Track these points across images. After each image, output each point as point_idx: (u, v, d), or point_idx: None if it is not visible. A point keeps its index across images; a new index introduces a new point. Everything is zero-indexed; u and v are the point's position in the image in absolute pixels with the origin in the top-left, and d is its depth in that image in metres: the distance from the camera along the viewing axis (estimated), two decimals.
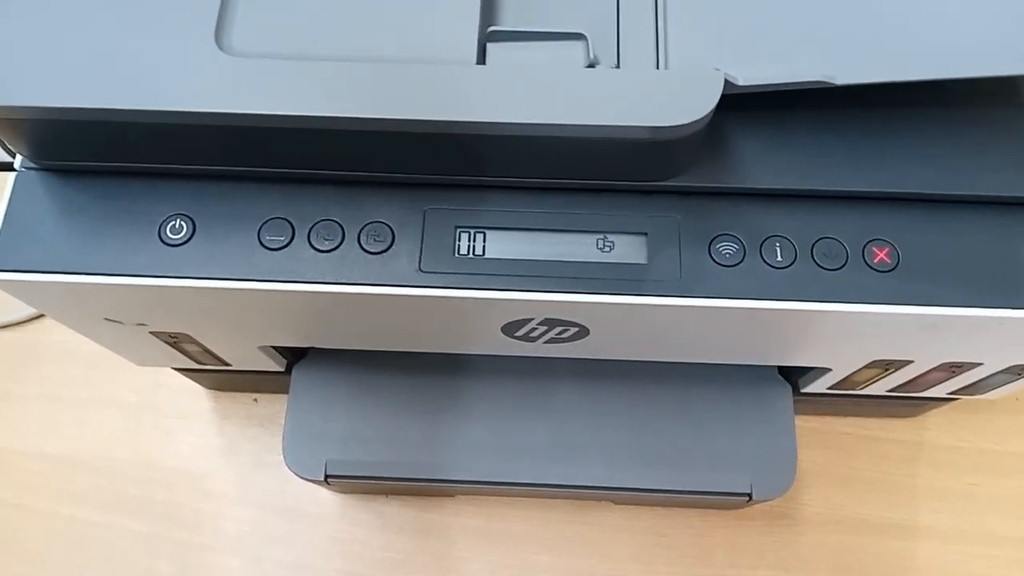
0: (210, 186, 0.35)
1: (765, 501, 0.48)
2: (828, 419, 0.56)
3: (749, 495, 0.46)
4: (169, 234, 0.35)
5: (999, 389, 0.46)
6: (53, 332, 0.60)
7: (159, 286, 0.34)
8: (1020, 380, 0.43)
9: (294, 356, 0.49)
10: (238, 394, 0.57)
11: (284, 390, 0.49)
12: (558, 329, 0.38)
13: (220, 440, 0.56)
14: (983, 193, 0.34)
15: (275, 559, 0.53)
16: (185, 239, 0.34)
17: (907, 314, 0.34)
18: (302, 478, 0.48)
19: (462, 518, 0.54)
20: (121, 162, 0.34)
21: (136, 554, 0.53)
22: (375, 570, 0.52)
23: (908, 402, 0.51)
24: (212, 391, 0.57)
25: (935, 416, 0.56)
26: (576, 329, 0.38)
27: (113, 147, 0.33)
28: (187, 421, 0.56)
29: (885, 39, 0.32)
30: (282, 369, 0.49)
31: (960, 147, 0.34)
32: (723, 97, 0.31)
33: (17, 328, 0.60)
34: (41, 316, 0.60)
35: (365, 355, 0.49)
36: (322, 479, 0.47)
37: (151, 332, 0.41)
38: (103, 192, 0.35)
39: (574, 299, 0.34)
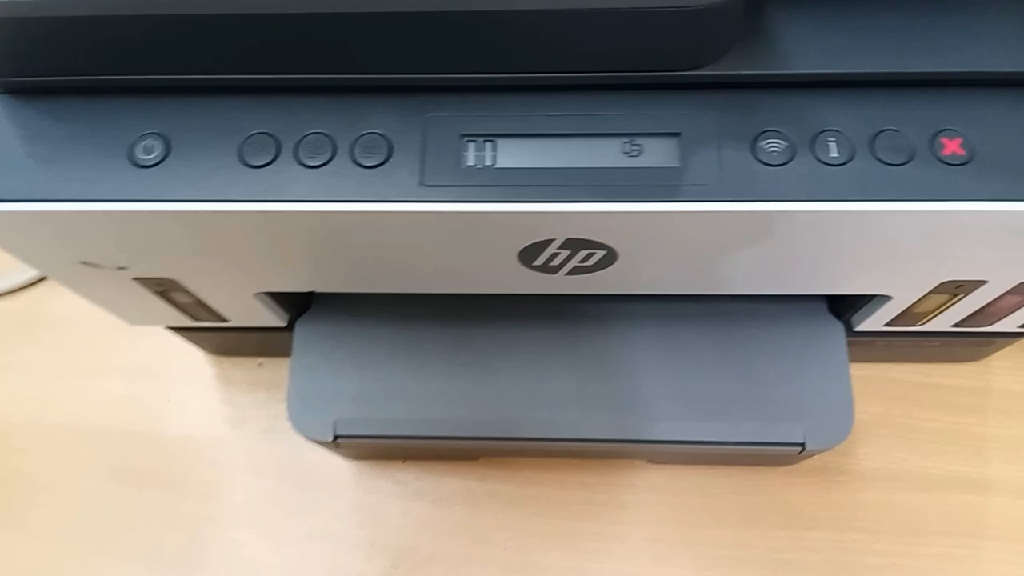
0: (185, 101, 0.31)
1: (819, 452, 0.44)
2: (882, 366, 0.51)
3: (802, 445, 0.42)
4: (141, 155, 0.31)
5: None
6: (51, 299, 0.57)
7: (131, 211, 0.30)
8: None
9: (296, 310, 0.46)
10: (242, 359, 0.54)
11: (289, 352, 0.46)
12: (582, 254, 0.34)
13: (226, 407, 0.52)
14: None
15: (289, 529, 0.49)
16: (158, 159, 0.31)
17: (987, 211, 0.29)
18: (310, 440, 0.44)
19: (486, 483, 0.50)
20: (87, 75, 0.31)
21: (145, 526, 0.50)
22: (397, 537, 0.48)
23: (973, 340, 0.46)
24: (214, 356, 0.54)
25: (1001, 359, 0.51)
26: (603, 252, 0.33)
27: (81, 54, 0.30)
28: (191, 388, 0.53)
29: None
30: (284, 324, 0.45)
31: None
32: None
33: (13, 297, 0.57)
34: (38, 283, 0.57)
35: (372, 305, 0.45)
36: (331, 440, 0.43)
37: (135, 279, 0.38)
38: (67, 114, 0.31)
39: (599, 209, 0.30)
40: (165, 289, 0.39)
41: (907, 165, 0.29)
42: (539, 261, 0.35)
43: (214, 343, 0.52)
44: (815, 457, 0.49)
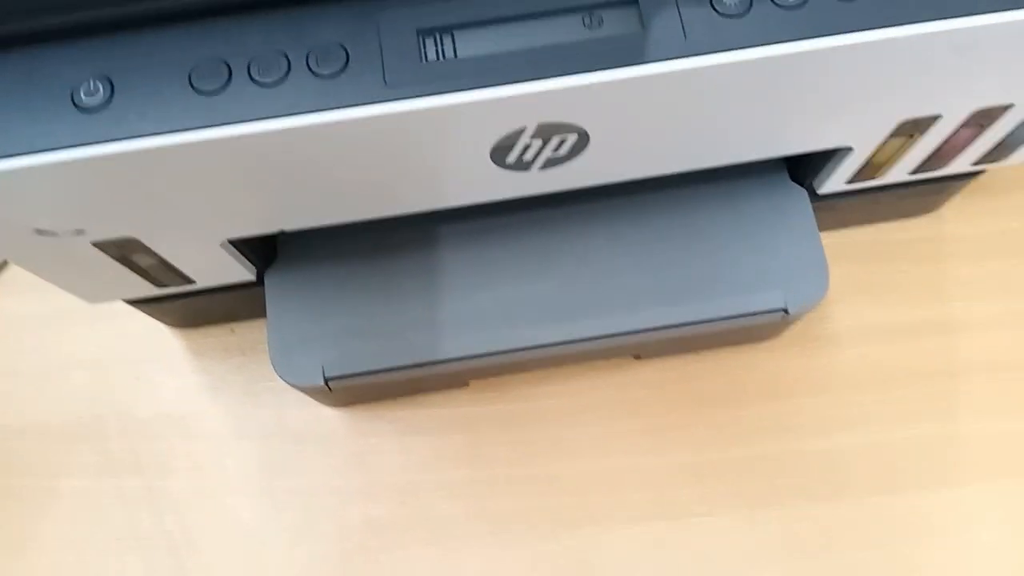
0: (122, 39, 0.30)
1: (801, 316, 0.45)
2: (844, 232, 0.53)
3: (785, 310, 0.43)
4: (84, 99, 0.29)
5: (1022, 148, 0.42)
6: (2, 300, 0.53)
7: (83, 158, 0.29)
8: None
9: (263, 261, 0.44)
10: (211, 328, 0.52)
11: (261, 313, 0.44)
12: (555, 141, 0.33)
13: (202, 377, 0.50)
14: None
15: (288, 488, 0.48)
16: (104, 101, 0.29)
17: (938, 31, 0.30)
18: (299, 388, 0.43)
19: (480, 407, 0.50)
20: (15, 22, 0.29)
21: (137, 513, 0.48)
22: (399, 476, 0.48)
23: (928, 188, 0.48)
24: (182, 330, 0.52)
25: (952, 208, 0.53)
26: (575, 137, 0.33)
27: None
28: (161, 364, 0.51)
29: None
30: (253, 278, 0.44)
31: None
32: None
33: None
34: None
35: (340, 243, 0.44)
36: (322, 383, 0.42)
37: (94, 244, 0.36)
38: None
39: (568, 84, 0.29)
40: (126, 252, 0.37)
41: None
42: (511, 158, 0.34)
43: (181, 313, 0.50)
44: (794, 326, 0.50)
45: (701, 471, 0.48)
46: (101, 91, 0.29)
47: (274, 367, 0.43)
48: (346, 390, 0.45)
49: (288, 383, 0.43)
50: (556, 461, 0.48)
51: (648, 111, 0.32)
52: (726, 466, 0.48)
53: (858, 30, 0.30)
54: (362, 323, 0.43)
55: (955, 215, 0.53)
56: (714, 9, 0.30)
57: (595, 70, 0.29)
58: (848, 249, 0.52)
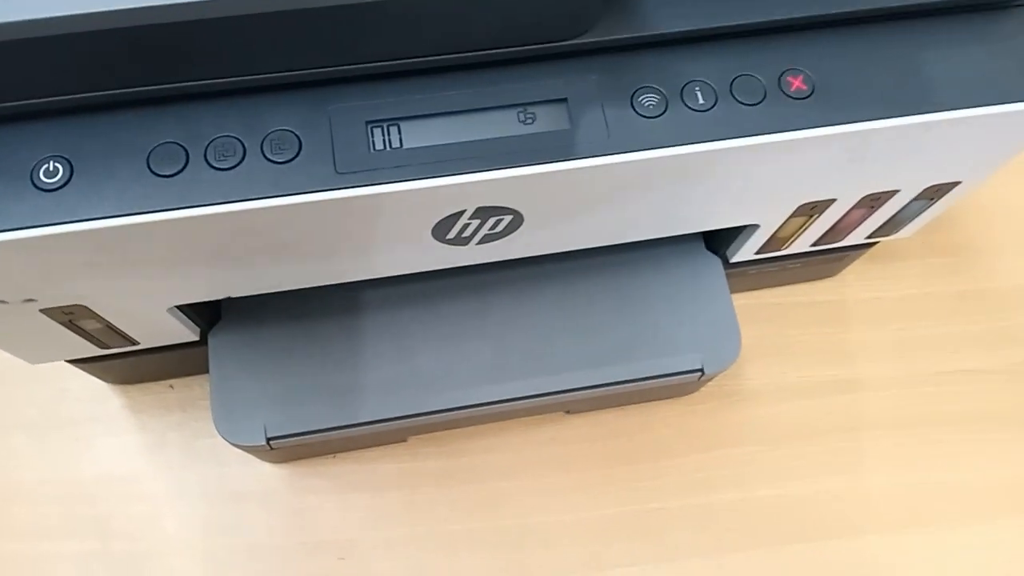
0: (82, 121, 0.31)
1: (715, 376, 0.48)
2: (756, 294, 0.57)
3: (701, 371, 0.46)
4: (44, 179, 0.30)
5: (912, 224, 0.47)
6: None
7: (40, 236, 0.30)
8: (932, 208, 0.45)
9: (207, 323, 0.46)
10: (150, 385, 0.52)
11: (202, 369, 0.46)
12: (491, 221, 0.36)
13: (141, 436, 0.51)
14: (884, 6, 0.34)
15: (230, 547, 0.49)
16: (62, 182, 0.30)
17: (829, 135, 0.34)
18: (240, 447, 0.45)
19: (418, 462, 0.51)
20: None
21: None
22: (339, 532, 0.49)
23: (829, 257, 0.52)
24: (121, 387, 0.52)
25: (852, 273, 0.58)
26: (510, 217, 0.36)
27: None
28: (102, 424, 0.51)
29: None
30: (196, 338, 0.45)
31: None
32: None
33: None
34: None
35: (282, 306, 0.46)
36: (263, 443, 0.44)
37: (42, 310, 0.37)
38: None
39: (503, 175, 0.32)
40: (74, 318, 0.38)
41: (761, 104, 0.34)
42: (452, 234, 0.37)
43: (120, 372, 0.50)
44: (710, 384, 0.54)
45: (629, 524, 0.51)
46: (60, 172, 0.31)
47: (216, 428, 0.44)
48: (287, 448, 0.46)
49: (230, 443, 0.44)
50: (493, 517, 0.50)
51: (575, 197, 0.35)
52: (651, 519, 0.51)
53: (760, 133, 0.33)
54: (303, 384, 0.45)
55: (856, 280, 0.58)
56: (634, 110, 0.33)
57: (528, 164, 0.32)
58: (760, 311, 0.56)
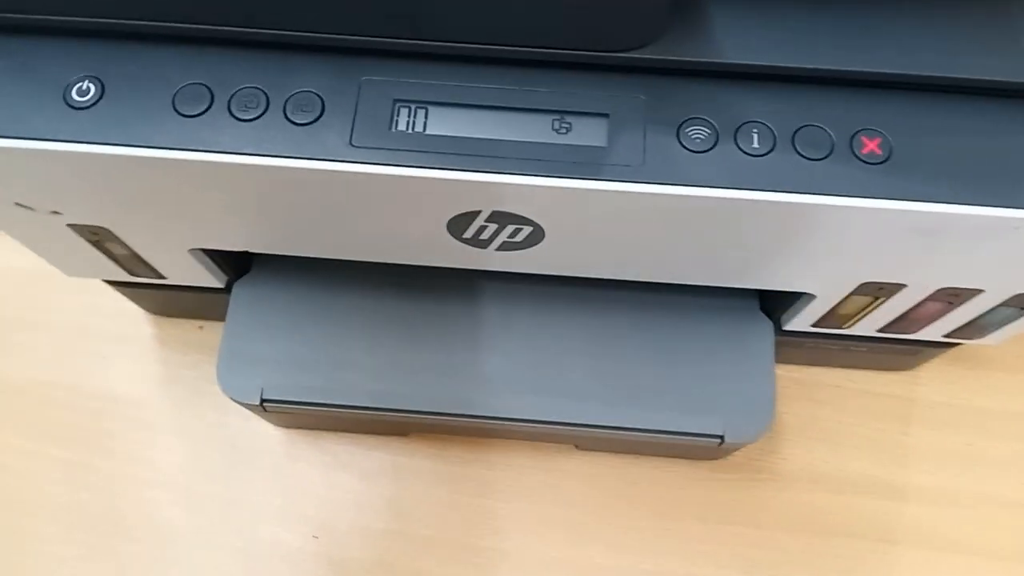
0: (122, 47, 0.31)
1: (739, 447, 0.44)
2: (814, 371, 0.52)
3: (721, 438, 0.43)
4: (75, 96, 0.31)
5: (1001, 331, 0.42)
6: None
7: (61, 151, 0.30)
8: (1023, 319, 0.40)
9: (235, 272, 0.46)
10: (183, 321, 0.53)
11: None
12: (510, 229, 0.34)
13: (159, 367, 0.52)
14: (982, 78, 0.30)
15: (208, 493, 0.49)
16: (92, 102, 0.31)
17: (899, 210, 0.30)
18: (237, 402, 0.44)
19: (415, 459, 0.50)
20: (24, 13, 0.30)
21: (59, 484, 0.49)
22: (319, 509, 0.48)
23: (901, 348, 0.47)
24: (155, 316, 0.53)
25: (929, 370, 0.52)
26: (530, 229, 0.34)
27: None
28: (124, 346, 0.52)
29: None
30: (222, 286, 0.45)
31: (959, 27, 0.31)
32: None
33: None
34: None
35: (312, 273, 0.45)
36: (258, 404, 0.43)
37: (69, 225, 0.37)
38: (2, 53, 0.31)
39: (523, 182, 0.30)
40: (100, 239, 0.39)
41: (825, 160, 0.30)
42: (468, 233, 0.35)
43: (153, 301, 0.51)
44: (739, 454, 0.50)
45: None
46: (92, 92, 0.31)
47: (217, 376, 0.44)
48: (283, 414, 0.46)
49: (227, 395, 0.44)
50: (473, 534, 0.48)
51: (601, 222, 0.33)
52: None
53: (818, 192, 0.30)
54: (311, 354, 0.44)
55: (932, 379, 0.52)
56: (679, 140, 0.30)
57: (553, 175, 0.30)
58: (815, 390, 0.51)
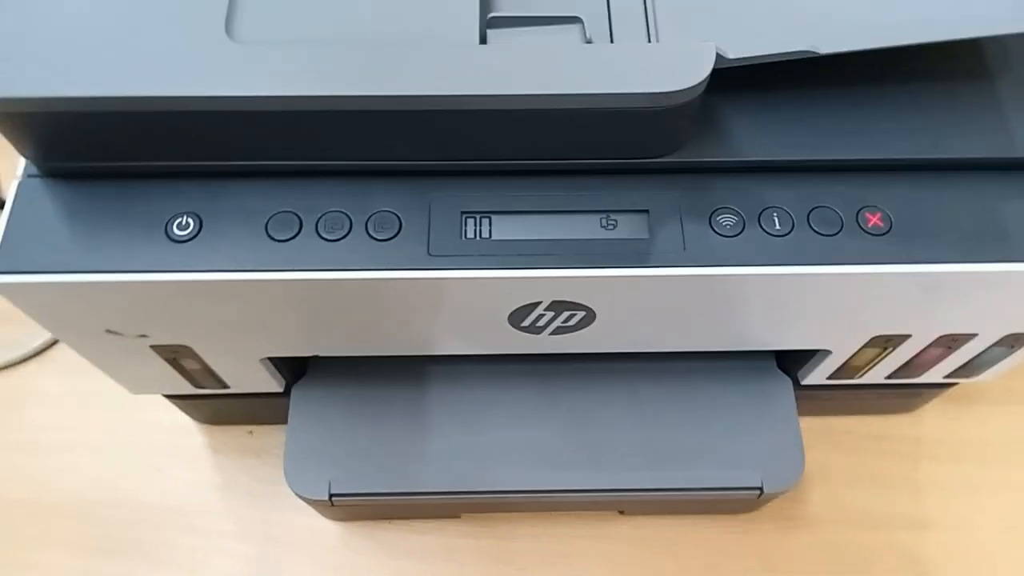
0: (216, 184, 0.35)
1: (775, 496, 0.48)
2: (828, 420, 0.56)
3: (760, 489, 0.46)
4: (176, 231, 0.35)
5: (993, 368, 0.47)
6: (36, 377, 0.58)
7: (167, 281, 0.34)
8: (1013, 356, 0.44)
9: (293, 376, 0.49)
10: (232, 427, 0.56)
11: (281, 420, 0.49)
12: (565, 315, 0.38)
13: (215, 475, 0.54)
14: (964, 156, 0.36)
15: None
16: (192, 235, 0.35)
17: (904, 272, 0.35)
18: (304, 499, 0.47)
19: (467, 539, 0.52)
20: (126, 161, 0.34)
21: None
22: None
23: (905, 392, 0.52)
24: (205, 426, 0.56)
25: (931, 410, 0.57)
26: (583, 313, 0.38)
27: (119, 143, 0.34)
28: (179, 458, 0.54)
29: (865, 8, 0.34)
30: (281, 390, 0.48)
31: (940, 113, 0.36)
32: (714, 74, 0.32)
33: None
34: (24, 361, 0.59)
35: (366, 371, 0.49)
36: (326, 499, 0.46)
37: (152, 346, 0.41)
38: (108, 195, 0.35)
39: (580, 274, 0.35)
40: (177, 356, 0.42)
41: (838, 235, 0.35)
42: (527, 322, 0.39)
43: (207, 411, 0.54)
44: (770, 504, 0.53)
45: None
46: (191, 226, 0.35)
47: (286, 476, 0.46)
48: (347, 507, 0.48)
49: (296, 493, 0.46)
50: None
51: (647, 303, 0.37)
52: None
53: (834, 263, 0.35)
54: (371, 448, 0.47)
55: (934, 419, 0.57)
56: (712, 228, 0.35)
57: (605, 267, 0.34)
58: (830, 438, 0.56)
